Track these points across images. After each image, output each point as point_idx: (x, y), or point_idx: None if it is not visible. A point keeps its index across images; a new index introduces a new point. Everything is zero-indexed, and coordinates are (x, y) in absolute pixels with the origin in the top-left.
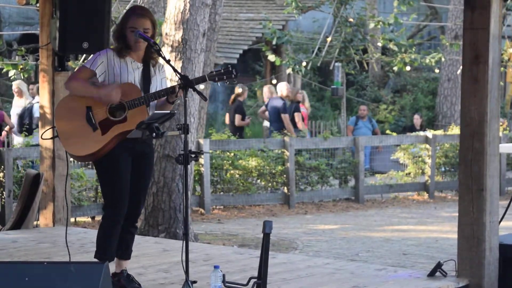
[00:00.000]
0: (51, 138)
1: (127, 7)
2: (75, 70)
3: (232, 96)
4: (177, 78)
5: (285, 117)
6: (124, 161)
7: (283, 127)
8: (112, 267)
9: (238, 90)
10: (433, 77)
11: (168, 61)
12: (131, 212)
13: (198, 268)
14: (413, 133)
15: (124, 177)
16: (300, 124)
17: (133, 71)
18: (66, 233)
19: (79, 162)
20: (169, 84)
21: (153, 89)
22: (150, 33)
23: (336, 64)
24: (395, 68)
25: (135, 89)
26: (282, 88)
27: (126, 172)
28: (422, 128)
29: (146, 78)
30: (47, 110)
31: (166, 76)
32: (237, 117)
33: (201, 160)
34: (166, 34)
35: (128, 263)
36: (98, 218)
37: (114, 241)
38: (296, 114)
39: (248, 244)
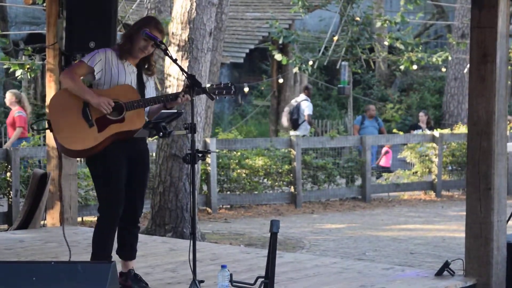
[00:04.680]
0: (43, 130)
1: (133, 7)
2: (73, 63)
3: None
4: (183, 78)
5: None
6: (118, 161)
7: None
8: (119, 266)
9: None
10: (440, 76)
11: (175, 61)
12: (131, 213)
13: (205, 267)
14: (420, 132)
15: (119, 178)
16: None
17: (130, 74)
18: (63, 231)
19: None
20: (170, 69)
21: (147, 94)
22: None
23: (343, 63)
24: (402, 67)
25: (133, 91)
26: None
27: (121, 173)
28: (429, 125)
29: (141, 82)
30: None
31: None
32: None
33: (208, 160)
34: (173, 33)
35: (134, 263)
36: None
37: (111, 242)
38: None
39: (255, 244)
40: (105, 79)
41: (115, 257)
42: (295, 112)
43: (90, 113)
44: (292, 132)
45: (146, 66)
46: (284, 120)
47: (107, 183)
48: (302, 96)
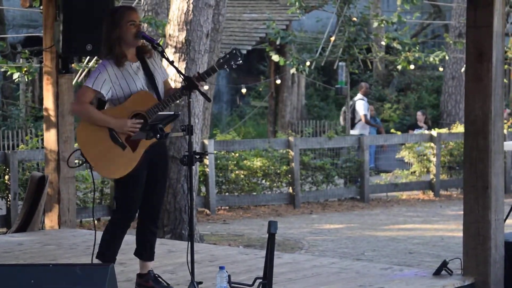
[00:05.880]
0: (79, 165)
1: None
2: (79, 91)
3: None
4: (181, 79)
5: None
6: (141, 166)
7: None
8: (131, 268)
9: None
10: (437, 76)
11: (171, 63)
12: (151, 213)
13: (203, 269)
14: (418, 132)
15: (140, 184)
16: None
17: (137, 75)
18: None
19: (84, 163)
20: (167, 71)
21: (159, 83)
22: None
23: (340, 63)
24: (399, 67)
25: (149, 95)
26: None
27: (142, 178)
28: (427, 125)
29: (149, 75)
30: (52, 112)
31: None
32: None
33: (206, 161)
34: (170, 35)
35: (152, 264)
36: (104, 219)
37: (119, 245)
38: None
39: (254, 245)
40: (118, 94)
41: (129, 260)
42: (351, 112)
43: (118, 135)
44: (351, 132)
45: (143, 51)
46: (341, 119)
47: (128, 188)
48: (359, 95)
